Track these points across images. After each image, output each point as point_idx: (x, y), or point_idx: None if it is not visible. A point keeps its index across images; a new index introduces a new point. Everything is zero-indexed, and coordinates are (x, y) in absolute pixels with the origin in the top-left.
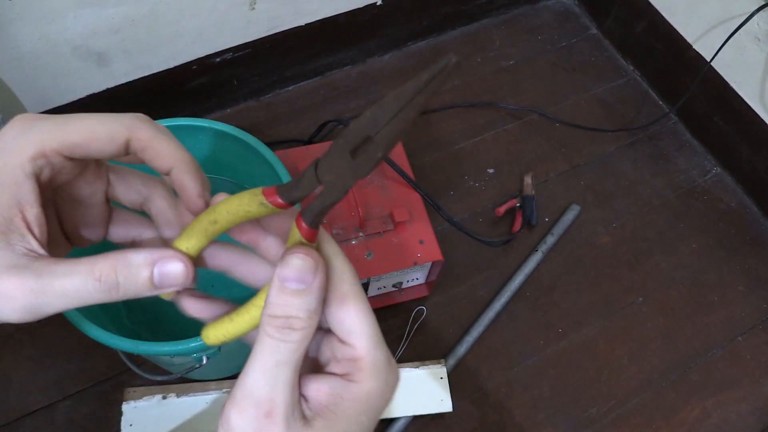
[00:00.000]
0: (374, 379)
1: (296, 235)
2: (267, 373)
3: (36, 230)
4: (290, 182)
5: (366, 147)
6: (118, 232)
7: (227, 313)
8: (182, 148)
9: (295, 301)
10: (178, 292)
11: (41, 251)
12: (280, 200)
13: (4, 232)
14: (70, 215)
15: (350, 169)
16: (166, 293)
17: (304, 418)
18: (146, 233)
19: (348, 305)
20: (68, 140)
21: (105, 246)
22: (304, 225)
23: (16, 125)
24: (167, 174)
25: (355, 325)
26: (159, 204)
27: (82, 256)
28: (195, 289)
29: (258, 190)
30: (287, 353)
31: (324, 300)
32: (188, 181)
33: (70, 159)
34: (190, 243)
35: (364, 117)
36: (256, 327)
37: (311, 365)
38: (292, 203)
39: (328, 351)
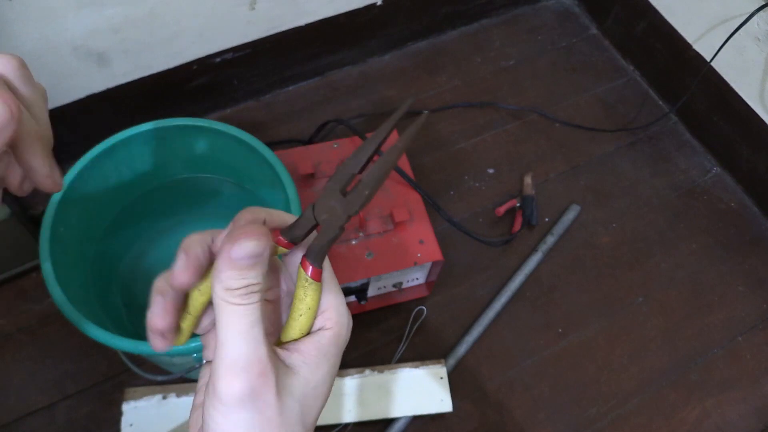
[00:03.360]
0: (342, 319)
1: (303, 275)
2: (245, 336)
3: None
4: (291, 224)
5: (356, 186)
6: None
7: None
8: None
9: (251, 272)
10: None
11: None
12: (282, 239)
13: None
14: None
15: (342, 207)
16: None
17: (287, 367)
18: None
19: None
20: None
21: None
22: (309, 266)
23: None
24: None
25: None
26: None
27: None
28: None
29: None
30: (256, 312)
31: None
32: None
33: None
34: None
35: (348, 159)
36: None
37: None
38: (293, 242)
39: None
